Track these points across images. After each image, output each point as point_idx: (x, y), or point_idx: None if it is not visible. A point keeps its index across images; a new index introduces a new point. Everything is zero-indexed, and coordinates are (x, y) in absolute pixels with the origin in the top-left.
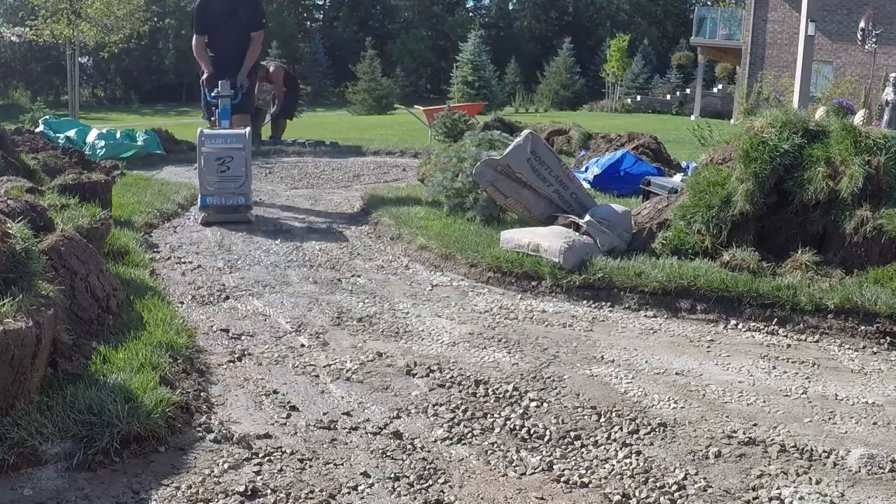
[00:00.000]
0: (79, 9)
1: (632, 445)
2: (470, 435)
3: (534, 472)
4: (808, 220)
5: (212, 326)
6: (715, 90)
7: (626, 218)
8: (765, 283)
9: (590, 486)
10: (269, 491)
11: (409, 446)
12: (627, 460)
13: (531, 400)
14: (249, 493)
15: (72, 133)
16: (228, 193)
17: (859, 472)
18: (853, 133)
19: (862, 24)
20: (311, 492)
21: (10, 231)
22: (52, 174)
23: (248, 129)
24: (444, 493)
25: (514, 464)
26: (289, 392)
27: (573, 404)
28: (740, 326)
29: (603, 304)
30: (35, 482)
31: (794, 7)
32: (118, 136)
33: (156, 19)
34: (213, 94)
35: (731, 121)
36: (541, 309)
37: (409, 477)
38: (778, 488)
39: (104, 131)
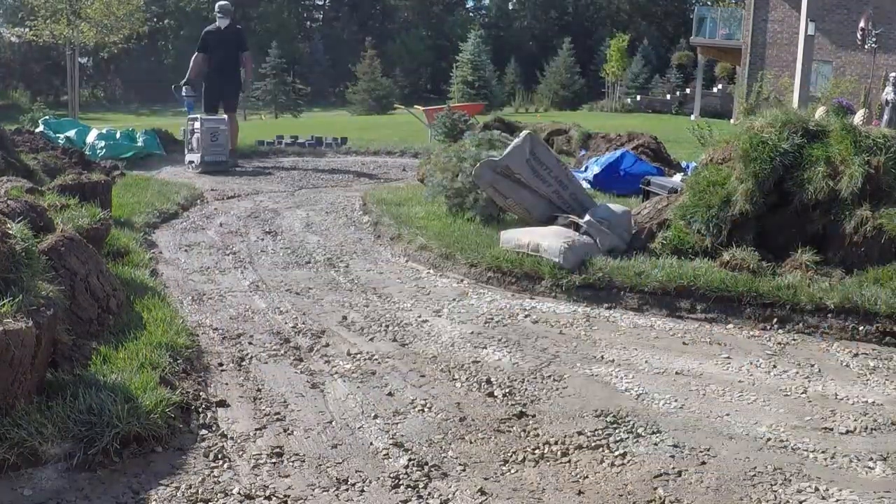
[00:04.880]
0: (78, 9)
1: (631, 445)
2: (469, 434)
3: (533, 470)
4: (808, 219)
5: (212, 326)
6: (715, 90)
7: (626, 218)
8: (765, 282)
9: (590, 484)
10: (269, 491)
11: (408, 445)
12: (627, 458)
13: (531, 399)
14: (249, 492)
15: (72, 133)
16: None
17: (858, 470)
18: (853, 133)
19: (862, 24)
20: (312, 491)
21: (10, 231)
22: (52, 174)
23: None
24: (441, 491)
25: (513, 462)
26: (288, 392)
27: (574, 404)
28: (740, 326)
29: (603, 303)
30: (35, 482)
31: (794, 7)
32: (118, 136)
33: (155, 20)
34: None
35: (731, 121)
36: (541, 309)
37: (409, 475)
38: (777, 486)
39: (104, 131)
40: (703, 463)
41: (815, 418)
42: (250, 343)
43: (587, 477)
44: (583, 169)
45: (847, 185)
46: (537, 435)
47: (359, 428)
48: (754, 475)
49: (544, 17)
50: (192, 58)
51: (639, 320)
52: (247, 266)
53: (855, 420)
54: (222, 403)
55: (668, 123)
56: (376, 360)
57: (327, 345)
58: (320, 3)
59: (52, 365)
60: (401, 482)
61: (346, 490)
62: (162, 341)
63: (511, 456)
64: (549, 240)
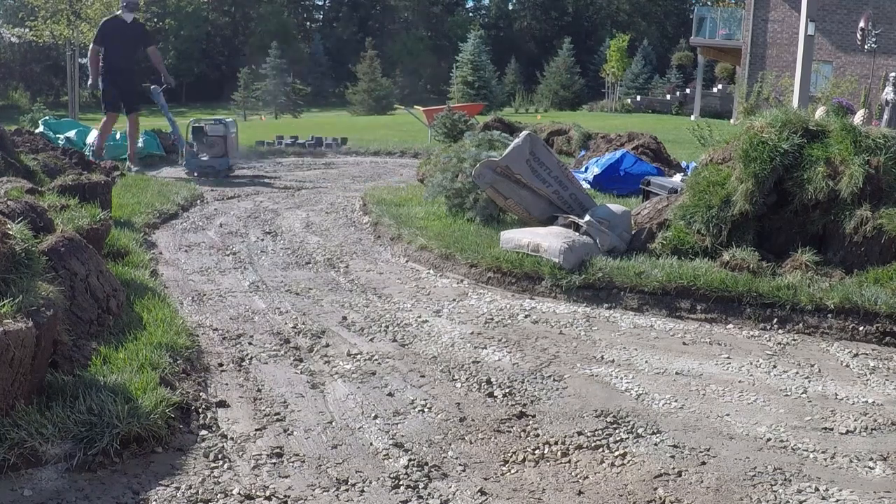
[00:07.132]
0: (78, 10)
1: (631, 445)
2: (469, 434)
3: (533, 470)
4: (808, 219)
5: (212, 326)
6: (715, 90)
7: (626, 218)
8: (765, 282)
9: (590, 484)
10: (269, 491)
11: (408, 446)
12: (627, 459)
13: (531, 400)
14: (249, 493)
15: (72, 134)
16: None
17: (858, 470)
18: (853, 133)
19: (862, 24)
20: (312, 491)
21: (10, 232)
22: (51, 175)
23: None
24: (441, 491)
25: (513, 462)
26: (288, 392)
27: (574, 404)
28: (740, 326)
29: (603, 304)
30: (35, 483)
31: (793, 7)
32: (118, 136)
33: (155, 20)
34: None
35: (731, 121)
36: (541, 309)
37: (409, 476)
38: (777, 486)
39: None
40: (703, 463)
41: (815, 418)
42: (250, 343)
43: (587, 477)
44: (583, 169)
45: (847, 185)
46: (537, 435)
47: (359, 428)
48: (754, 475)
49: (544, 17)
50: (89, 52)
51: (639, 320)
52: (247, 266)
53: (855, 420)
54: (222, 404)
55: (668, 123)
56: (376, 360)
57: (327, 345)
58: (320, 3)
59: (52, 365)
60: (401, 482)
61: (346, 490)
62: (162, 342)
63: (511, 456)
64: (549, 240)
